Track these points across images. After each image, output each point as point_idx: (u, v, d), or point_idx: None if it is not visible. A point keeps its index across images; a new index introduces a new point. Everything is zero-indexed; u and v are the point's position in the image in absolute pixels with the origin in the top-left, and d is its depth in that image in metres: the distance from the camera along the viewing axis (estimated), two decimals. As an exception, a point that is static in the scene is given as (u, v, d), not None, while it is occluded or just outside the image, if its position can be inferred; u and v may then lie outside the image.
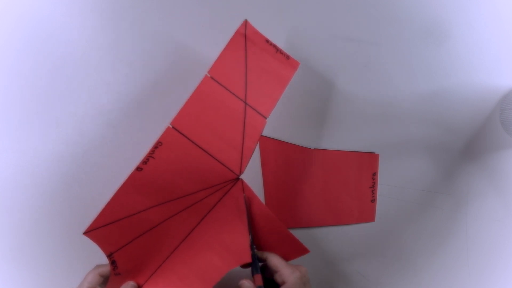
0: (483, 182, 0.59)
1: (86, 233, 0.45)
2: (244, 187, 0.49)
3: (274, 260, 0.47)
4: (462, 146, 0.58)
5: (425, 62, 0.57)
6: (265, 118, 0.48)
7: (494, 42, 0.58)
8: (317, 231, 0.57)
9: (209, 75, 0.47)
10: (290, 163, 0.57)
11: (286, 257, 0.51)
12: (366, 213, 0.58)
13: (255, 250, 0.48)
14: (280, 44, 0.55)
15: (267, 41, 0.49)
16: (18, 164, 0.53)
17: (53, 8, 0.53)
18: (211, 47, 0.55)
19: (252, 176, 0.56)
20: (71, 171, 0.54)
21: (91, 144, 0.54)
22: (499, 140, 0.59)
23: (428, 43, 0.57)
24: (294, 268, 0.46)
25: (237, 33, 0.48)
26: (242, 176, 0.48)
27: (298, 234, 0.57)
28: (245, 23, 0.48)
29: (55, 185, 0.54)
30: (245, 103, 0.48)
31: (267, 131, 0.56)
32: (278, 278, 0.46)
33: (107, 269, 0.46)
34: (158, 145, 0.46)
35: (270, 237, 0.50)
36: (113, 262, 0.46)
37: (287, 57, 0.50)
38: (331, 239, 0.58)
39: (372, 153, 0.58)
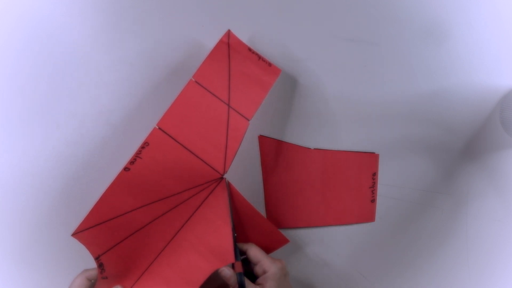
0: (483, 182, 0.59)
1: (75, 234, 0.46)
2: (229, 186, 0.50)
3: (255, 251, 0.48)
4: (462, 146, 0.58)
5: (425, 62, 0.57)
6: (248, 120, 0.50)
7: (494, 42, 0.58)
8: (317, 231, 0.57)
9: (193, 80, 0.49)
10: (290, 163, 0.57)
11: (268, 248, 0.53)
12: (366, 213, 0.58)
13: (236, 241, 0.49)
14: (280, 44, 0.55)
15: (250, 49, 0.52)
16: (18, 164, 0.53)
17: (53, 8, 0.53)
18: (211, 47, 0.55)
19: (252, 176, 0.56)
20: (71, 171, 0.54)
21: (91, 145, 0.54)
22: (499, 140, 0.59)
23: (428, 43, 0.57)
24: (274, 259, 0.48)
25: (221, 42, 0.51)
26: (228, 177, 0.50)
27: (298, 234, 0.57)
28: (228, 32, 0.51)
29: (55, 185, 0.54)
30: (229, 106, 0.50)
31: (267, 131, 0.56)
32: (258, 269, 0.48)
33: (94, 272, 0.46)
34: (145, 145, 0.47)
35: (253, 230, 0.52)
36: (100, 265, 0.47)
37: (269, 64, 0.52)
38: (331, 239, 0.58)
39: (372, 153, 0.58)
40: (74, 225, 0.54)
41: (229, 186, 0.50)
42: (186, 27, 0.55)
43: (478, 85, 0.58)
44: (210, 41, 0.55)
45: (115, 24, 0.54)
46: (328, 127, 0.57)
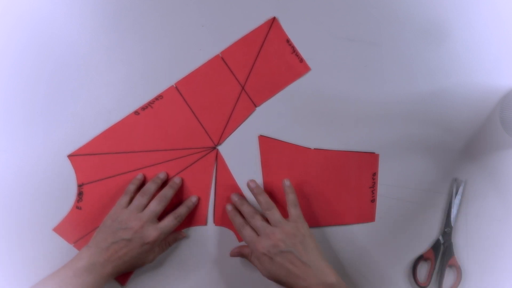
0: (483, 182, 0.59)
1: (71, 156, 0.52)
2: (218, 157, 0.55)
3: None
4: (462, 146, 0.58)
5: (425, 62, 0.57)
6: (255, 106, 0.55)
7: (494, 42, 0.58)
8: (317, 231, 0.57)
9: (220, 55, 0.54)
10: (290, 163, 0.57)
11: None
12: (366, 213, 0.58)
13: None
14: (280, 44, 0.55)
15: (288, 40, 0.55)
16: (18, 164, 0.53)
17: (53, 8, 0.53)
18: (211, 47, 0.55)
19: (252, 176, 0.56)
20: (71, 171, 0.54)
21: (91, 144, 0.54)
22: (499, 140, 0.59)
23: (428, 43, 0.57)
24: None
25: (260, 27, 0.54)
26: (221, 149, 0.55)
27: (298, 234, 0.57)
28: (272, 20, 0.54)
29: (55, 185, 0.54)
30: (243, 88, 0.55)
31: (267, 131, 0.56)
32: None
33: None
34: (159, 97, 0.54)
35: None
36: (80, 194, 0.53)
37: (301, 60, 0.55)
38: (331, 239, 0.58)
39: (372, 153, 0.58)
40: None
41: (219, 158, 0.54)
42: (186, 27, 0.55)
43: (478, 85, 0.58)
44: (210, 41, 0.55)
45: (115, 24, 0.54)
46: (328, 127, 0.57)
